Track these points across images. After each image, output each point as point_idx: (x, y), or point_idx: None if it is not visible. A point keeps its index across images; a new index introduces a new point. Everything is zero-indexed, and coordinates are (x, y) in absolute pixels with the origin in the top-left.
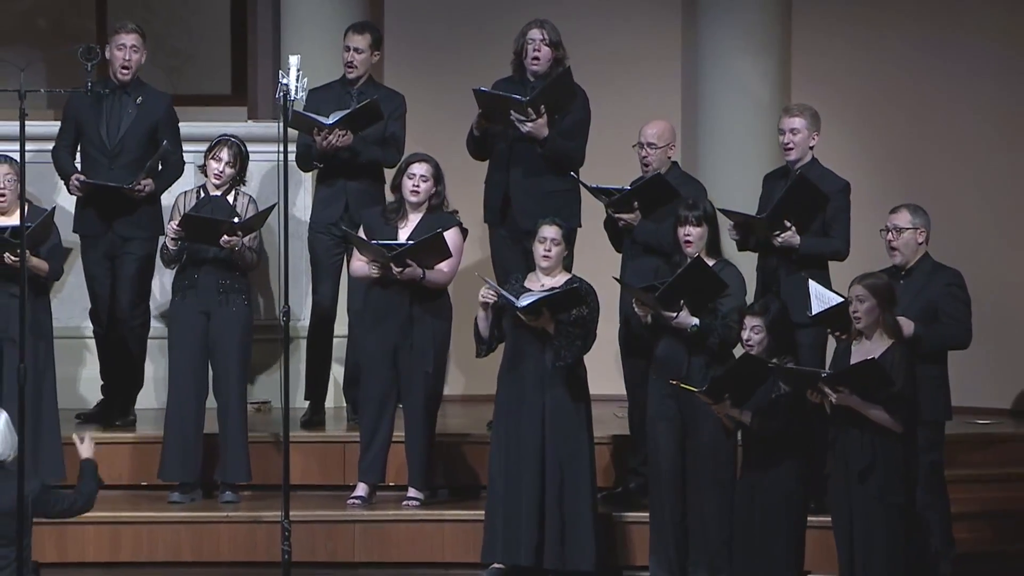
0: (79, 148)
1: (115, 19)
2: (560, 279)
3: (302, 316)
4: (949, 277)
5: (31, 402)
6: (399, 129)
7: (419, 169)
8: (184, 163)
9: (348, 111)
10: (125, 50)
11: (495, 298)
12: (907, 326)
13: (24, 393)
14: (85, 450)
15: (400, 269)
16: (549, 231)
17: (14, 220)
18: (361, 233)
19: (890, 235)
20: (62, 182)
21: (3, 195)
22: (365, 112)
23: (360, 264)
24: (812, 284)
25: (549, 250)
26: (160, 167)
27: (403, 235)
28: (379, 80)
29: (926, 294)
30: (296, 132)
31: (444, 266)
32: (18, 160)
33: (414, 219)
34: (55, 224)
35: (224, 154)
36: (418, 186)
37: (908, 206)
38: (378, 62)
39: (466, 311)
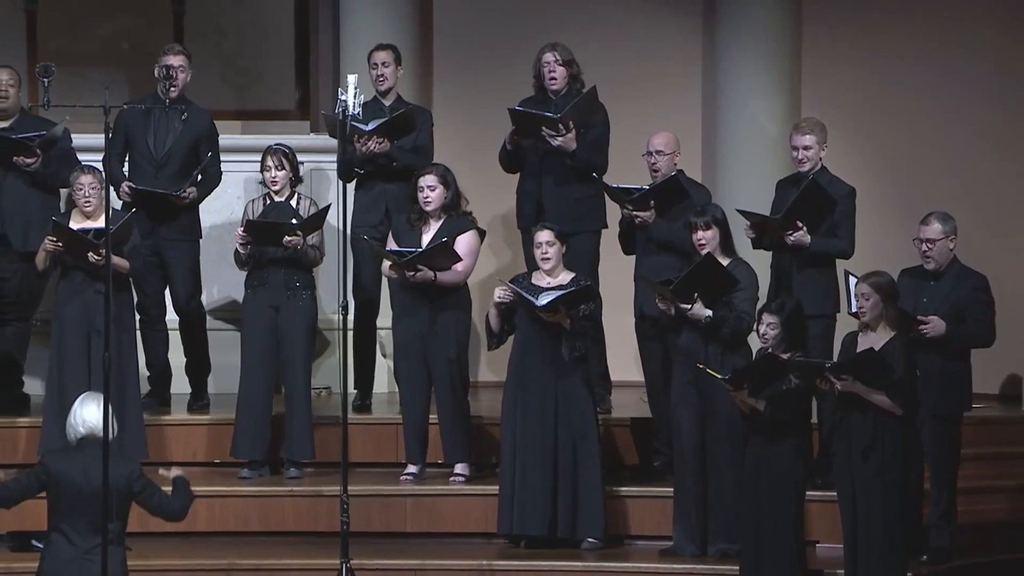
0: (127, 157)
1: (191, 41)
2: (565, 277)
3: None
4: (976, 282)
5: (116, 389)
6: (427, 139)
7: (426, 180)
8: (221, 174)
9: (385, 119)
10: (172, 71)
11: (512, 298)
12: (939, 326)
13: (108, 378)
14: (174, 472)
15: (412, 273)
16: (542, 235)
17: (99, 223)
18: (390, 239)
19: (924, 246)
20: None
21: (89, 202)
22: (400, 121)
23: (386, 266)
24: (852, 280)
25: (546, 252)
26: (199, 177)
27: (426, 239)
28: (428, 95)
29: (954, 297)
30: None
31: (458, 266)
32: (102, 170)
33: (435, 224)
34: (135, 227)
35: (270, 161)
36: (428, 196)
37: (937, 215)
38: (427, 80)
39: (483, 308)
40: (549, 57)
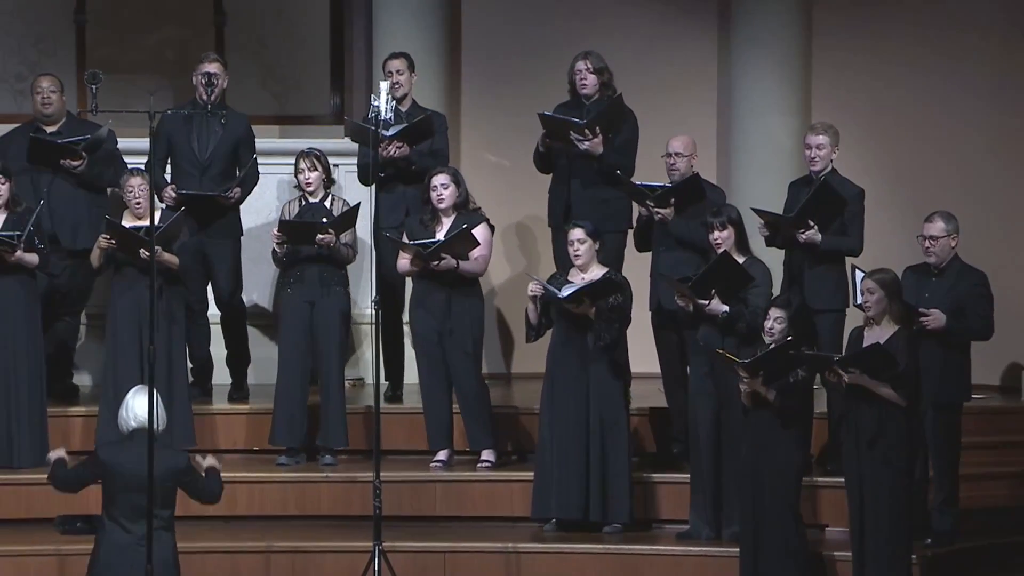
0: (170, 161)
1: (232, 51)
2: (597, 272)
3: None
4: (976, 278)
5: (165, 379)
6: (443, 143)
7: (439, 179)
8: (259, 174)
9: (405, 125)
10: (209, 78)
11: (542, 291)
12: (939, 318)
13: (154, 369)
14: (209, 461)
15: (436, 263)
16: (574, 233)
17: (147, 222)
18: (405, 239)
19: (928, 243)
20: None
21: (140, 203)
22: (419, 127)
23: (403, 262)
24: (859, 274)
25: (577, 250)
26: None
27: (439, 236)
28: (457, 101)
29: (955, 292)
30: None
31: (476, 254)
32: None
33: (447, 222)
34: (185, 225)
35: (303, 164)
36: (441, 194)
37: (941, 214)
38: (456, 88)
39: (518, 302)
40: (581, 65)
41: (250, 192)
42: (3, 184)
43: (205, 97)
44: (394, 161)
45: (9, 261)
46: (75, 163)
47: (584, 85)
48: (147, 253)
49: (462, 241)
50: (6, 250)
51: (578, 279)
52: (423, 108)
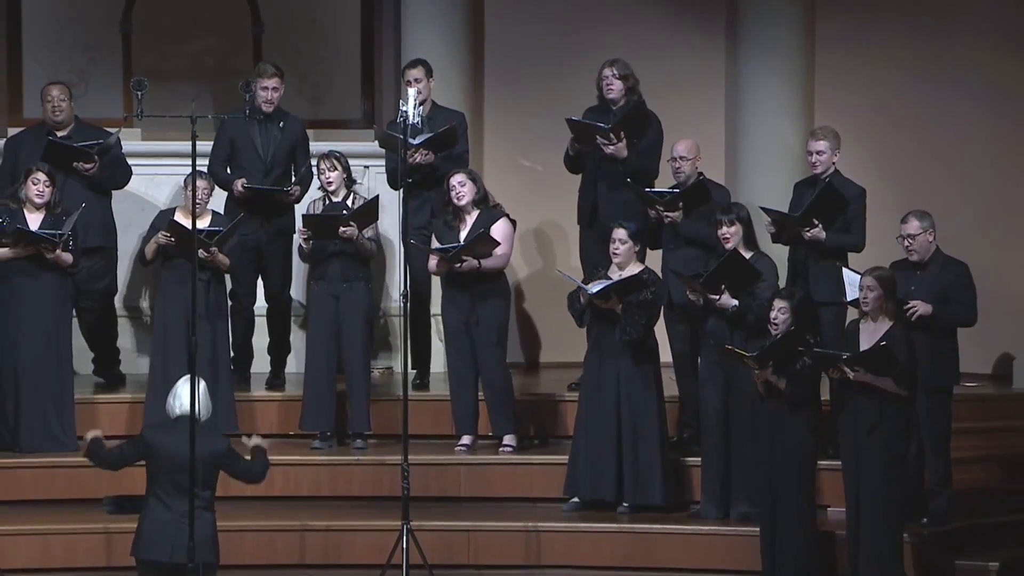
0: (232, 163)
1: (268, 58)
2: (633, 269)
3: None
4: (958, 269)
5: (210, 368)
6: (464, 145)
7: (456, 179)
8: (312, 174)
9: (431, 134)
10: (268, 91)
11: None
12: (925, 307)
13: (196, 359)
14: (254, 441)
15: (459, 264)
16: (618, 233)
17: (205, 223)
18: (433, 239)
19: (907, 242)
20: (220, 190)
21: (200, 204)
22: (444, 137)
23: (433, 263)
24: (845, 272)
25: (618, 248)
26: (299, 178)
27: (463, 234)
28: (480, 105)
29: (939, 283)
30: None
31: (498, 251)
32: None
33: (469, 219)
34: (239, 228)
35: (324, 165)
36: (460, 192)
37: (914, 213)
38: (479, 92)
39: (541, 296)
40: (607, 72)
41: (306, 192)
42: (48, 187)
43: (266, 110)
44: (420, 167)
45: (48, 258)
46: (87, 166)
47: (611, 90)
48: (205, 253)
49: (482, 242)
50: (47, 248)
51: (615, 275)
52: (443, 108)
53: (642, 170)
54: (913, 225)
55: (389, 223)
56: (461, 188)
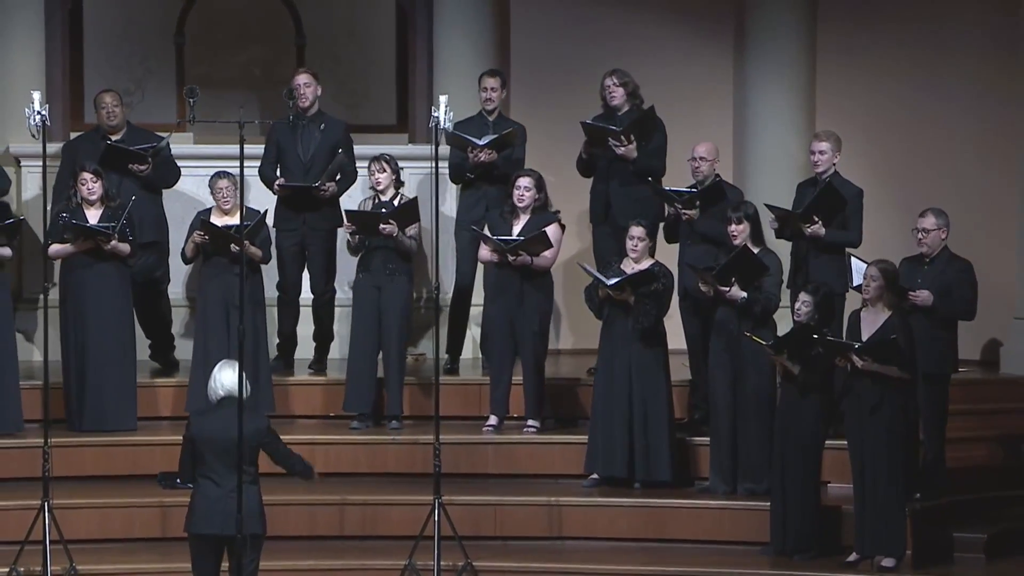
0: (280, 164)
1: (309, 67)
2: (646, 264)
3: (449, 291)
4: (962, 266)
5: (251, 353)
6: (521, 152)
7: (524, 182)
8: (357, 173)
9: (496, 135)
10: (300, 87)
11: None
12: (927, 297)
13: (243, 347)
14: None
15: (514, 257)
16: (635, 231)
17: (235, 220)
18: (486, 230)
19: (920, 235)
20: (267, 190)
21: (227, 201)
22: (506, 139)
23: (484, 252)
24: (854, 260)
25: (636, 245)
26: (339, 176)
27: (516, 230)
28: (506, 112)
29: (943, 277)
30: (445, 152)
31: (548, 253)
32: (235, 175)
33: (524, 219)
34: (266, 223)
35: (375, 166)
36: (523, 195)
37: (933, 210)
38: (505, 99)
39: (562, 287)
40: (608, 81)
41: (347, 188)
42: (95, 182)
43: (303, 104)
44: (482, 164)
45: (105, 249)
46: (142, 167)
47: (613, 97)
48: (237, 247)
49: (537, 242)
50: (103, 240)
51: (630, 269)
52: (507, 119)
53: (650, 169)
54: (929, 220)
55: (447, 214)
56: (525, 192)
